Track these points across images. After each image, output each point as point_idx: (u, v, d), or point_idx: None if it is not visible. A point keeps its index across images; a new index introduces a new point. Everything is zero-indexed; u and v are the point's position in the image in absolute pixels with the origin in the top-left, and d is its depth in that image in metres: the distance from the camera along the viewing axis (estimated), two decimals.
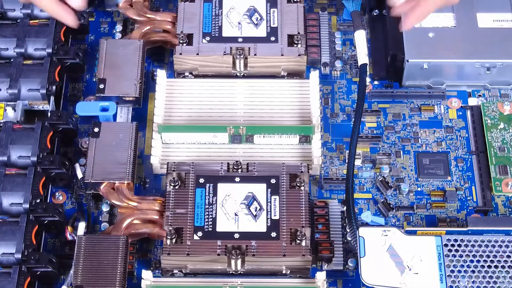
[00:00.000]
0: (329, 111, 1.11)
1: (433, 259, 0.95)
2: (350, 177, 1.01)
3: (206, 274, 0.98)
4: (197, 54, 1.09)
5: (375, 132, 1.09)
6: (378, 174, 1.06)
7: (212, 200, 0.99)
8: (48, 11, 1.05)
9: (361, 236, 0.96)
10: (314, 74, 1.09)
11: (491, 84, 1.12)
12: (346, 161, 1.05)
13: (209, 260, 0.96)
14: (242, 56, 1.09)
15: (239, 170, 1.01)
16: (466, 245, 0.96)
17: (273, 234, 0.97)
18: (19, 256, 0.95)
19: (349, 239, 1.00)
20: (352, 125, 1.06)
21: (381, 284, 0.93)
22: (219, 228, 0.97)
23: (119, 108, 1.09)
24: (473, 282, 0.94)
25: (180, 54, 1.09)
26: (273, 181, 1.00)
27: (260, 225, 0.98)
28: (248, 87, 1.09)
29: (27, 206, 0.98)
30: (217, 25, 1.12)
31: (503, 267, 0.94)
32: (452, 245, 0.96)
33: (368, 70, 1.10)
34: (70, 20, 1.05)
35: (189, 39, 1.10)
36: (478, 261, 0.95)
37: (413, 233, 0.97)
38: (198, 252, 0.96)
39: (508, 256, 0.95)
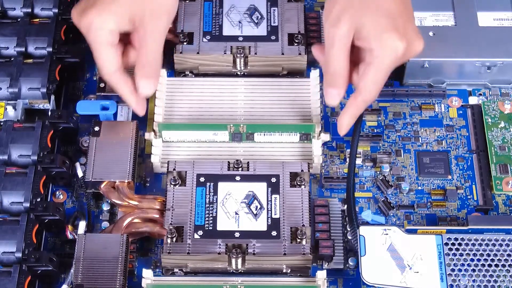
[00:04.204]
0: (329, 110, 1.11)
1: (433, 258, 0.95)
2: (351, 176, 1.01)
3: (206, 273, 0.98)
4: (198, 53, 1.09)
5: (375, 130, 1.09)
6: (378, 173, 1.06)
7: (213, 199, 0.99)
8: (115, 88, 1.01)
9: (362, 235, 0.96)
10: (315, 73, 1.09)
11: (492, 83, 1.12)
12: (347, 160, 1.05)
13: (209, 259, 0.96)
14: (242, 55, 1.09)
15: (240, 169, 1.01)
16: (467, 244, 0.96)
17: (274, 233, 0.97)
18: (19, 255, 0.95)
19: (349, 238, 1.00)
20: (352, 124, 1.06)
21: (381, 283, 0.93)
22: (219, 227, 0.97)
23: (119, 107, 1.09)
24: (473, 280, 0.94)
25: (181, 53, 1.09)
26: (273, 180, 1.00)
27: (261, 224, 0.98)
28: (248, 86, 1.09)
29: (28, 205, 0.98)
30: (217, 24, 1.12)
31: (503, 265, 0.94)
32: (453, 244, 0.96)
33: None
34: (135, 109, 1.02)
35: (189, 38, 1.10)
36: (478, 259, 0.95)
37: (414, 232, 0.97)
38: (198, 251, 0.96)
39: (509, 255, 0.95)
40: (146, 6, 0.97)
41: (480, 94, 1.12)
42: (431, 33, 1.11)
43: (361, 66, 0.96)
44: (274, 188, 1.00)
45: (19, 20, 1.11)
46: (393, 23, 0.93)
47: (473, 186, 1.05)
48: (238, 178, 1.01)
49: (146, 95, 1.00)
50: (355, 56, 0.97)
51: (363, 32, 0.93)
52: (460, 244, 0.96)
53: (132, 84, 1.00)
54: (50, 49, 1.09)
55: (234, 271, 0.97)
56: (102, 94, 1.08)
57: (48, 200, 1.04)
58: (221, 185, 1.00)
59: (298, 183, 1.00)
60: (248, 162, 1.02)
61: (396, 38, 0.93)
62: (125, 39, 1.00)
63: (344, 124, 0.99)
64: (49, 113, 1.06)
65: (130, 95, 1.00)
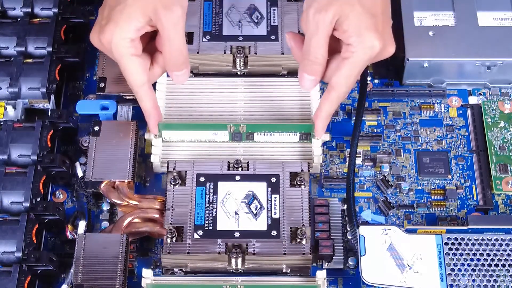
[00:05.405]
0: None
1: (433, 258, 0.95)
2: (351, 175, 1.01)
3: (206, 273, 0.98)
4: (198, 52, 1.09)
5: (375, 130, 1.09)
6: (378, 172, 1.06)
7: (213, 198, 0.99)
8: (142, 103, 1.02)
9: (362, 235, 0.96)
10: None
11: (492, 83, 1.12)
12: (347, 159, 1.05)
13: (209, 259, 0.96)
14: (242, 55, 1.09)
15: (240, 168, 1.01)
16: (467, 244, 0.96)
17: (274, 233, 0.97)
18: (19, 254, 0.95)
19: (349, 237, 1.00)
20: (352, 124, 1.06)
21: (381, 283, 0.93)
22: (219, 227, 0.97)
23: (119, 106, 1.09)
24: (473, 280, 0.94)
25: None
26: (273, 179, 1.00)
27: (261, 224, 0.98)
28: (248, 86, 1.09)
29: (28, 204, 0.98)
30: (217, 23, 1.12)
31: (503, 265, 0.94)
32: (453, 244, 0.96)
33: (368, 68, 1.10)
34: (153, 125, 1.03)
35: (189, 37, 1.10)
36: (478, 259, 0.95)
37: (414, 231, 0.97)
38: (198, 250, 0.96)
39: (509, 255, 0.95)
40: (157, 0, 0.96)
41: (480, 94, 1.12)
42: (431, 33, 1.11)
43: (334, 60, 0.97)
44: (274, 188, 1.00)
45: (19, 20, 1.11)
46: (374, 23, 0.95)
47: (473, 186, 1.05)
48: (238, 178, 1.01)
49: (181, 83, 1.01)
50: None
51: (343, 25, 0.94)
52: (460, 244, 0.96)
53: (156, 101, 1.01)
54: (50, 49, 1.09)
55: (234, 271, 0.97)
56: (102, 94, 1.08)
57: (48, 200, 1.04)
58: (221, 185, 1.00)
59: (298, 183, 1.00)
60: (248, 162, 1.02)
61: (375, 38, 0.94)
62: (151, 49, 1.00)
63: (320, 124, 1.01)
64: (49, 113, 1.06)
65: (152, 111, 1.01)
